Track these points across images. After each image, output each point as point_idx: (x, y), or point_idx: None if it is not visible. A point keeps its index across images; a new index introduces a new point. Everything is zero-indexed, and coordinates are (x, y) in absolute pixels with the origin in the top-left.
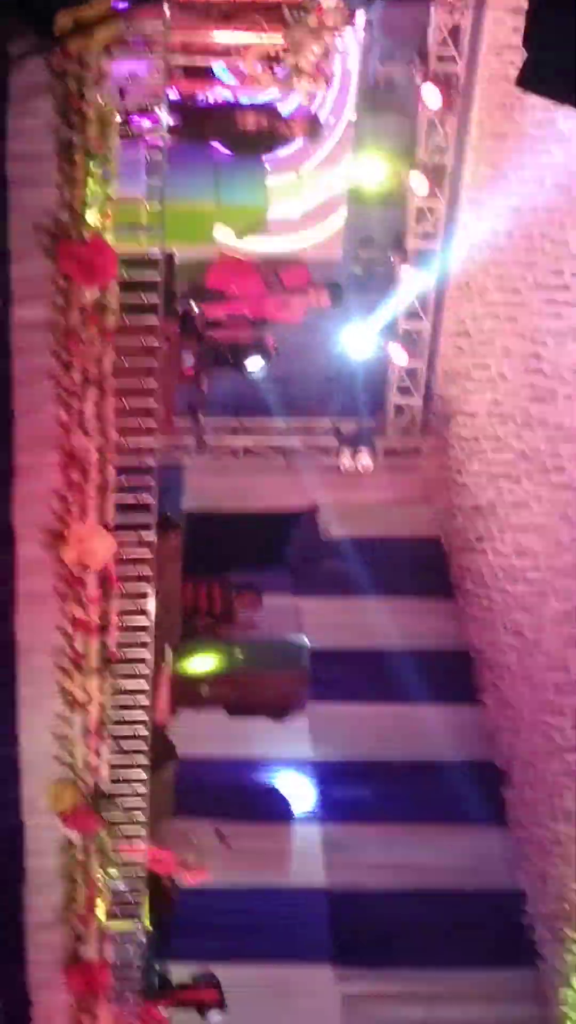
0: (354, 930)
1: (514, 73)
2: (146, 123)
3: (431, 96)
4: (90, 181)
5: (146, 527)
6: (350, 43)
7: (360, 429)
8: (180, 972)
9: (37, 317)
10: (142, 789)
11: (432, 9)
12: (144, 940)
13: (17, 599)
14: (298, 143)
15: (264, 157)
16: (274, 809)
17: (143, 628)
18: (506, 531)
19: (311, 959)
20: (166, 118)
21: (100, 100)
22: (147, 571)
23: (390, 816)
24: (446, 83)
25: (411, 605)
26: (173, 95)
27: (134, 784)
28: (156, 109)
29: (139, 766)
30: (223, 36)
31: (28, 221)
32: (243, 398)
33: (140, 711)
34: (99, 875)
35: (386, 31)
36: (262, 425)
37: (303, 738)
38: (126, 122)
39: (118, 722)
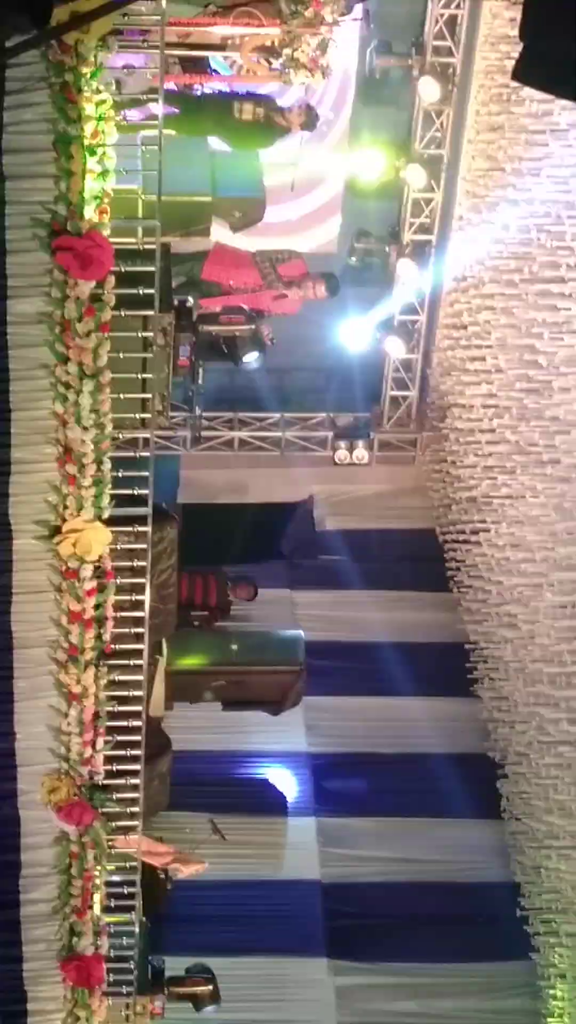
0: (348, 922)
1: (511, 65)
2: (143, 115)
3: (428, 88)
4: (86, 174)
5: (141, 520)
6: (347, 35)
7: (355, 421)
8: (174, 965)
9: (33, 310)
10: (137, 782)
11: (428, 1)
12: (138, 933)
13: (13, 592)
14: (295, 135)
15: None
16: (269, 802)
17: (138, 621)
18: (501, 523)
19: (305, 951)
20: (162, 110)
21: (97, 93)
22: (142, 563)
23: (384, 809)
24: (443, 75)
25: (406, 597)
26: (170, 87)
27: (129, 777)
28: (153, 102)
29: (134, 759)
30: (220, 28)
31: (24, 214)
32: (239, 391)
33: (135, 704)
34: (94, 868)
35: (383, 23)
36: (258, 418)
37: (298, 731)
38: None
39: (113, 715)
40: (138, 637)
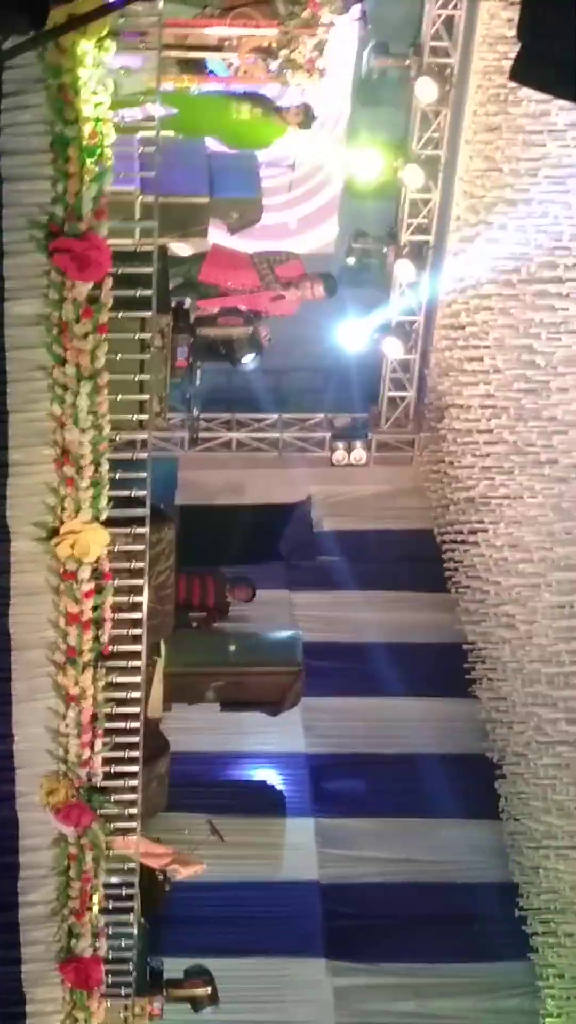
0: (347, 923)
1: (508, 66)
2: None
3: (425, 89)
4: (84, 176)
5: (139, 521)
6: (344, 36)
7: (353, 422)
8: (173, 966)
9: (31, 312)
10: (135, 783)
11: (426, 1)
12: (137, 934)
13: (11, 594)
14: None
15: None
16: (267, 803)
17: (136, 622)
18: (499, 524)
19: (304, 952)
20: (160, 112)
21: (94, 94)
22: (140, 565)
23: (383, 809)
24: (440, 76)
25: (404, 598)
26: (167, 88)
27: (127, 778)
28: (150, 103)
29: (132, 760)
30: (217, 30)
31: (21, 216)
32: (236, 392)
33: (133, 705)
34: (92, 870)
35: (380, 24)
36: (255, 419)
37: (296, 731)
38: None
39: (111, 716)
40: (136, 638)
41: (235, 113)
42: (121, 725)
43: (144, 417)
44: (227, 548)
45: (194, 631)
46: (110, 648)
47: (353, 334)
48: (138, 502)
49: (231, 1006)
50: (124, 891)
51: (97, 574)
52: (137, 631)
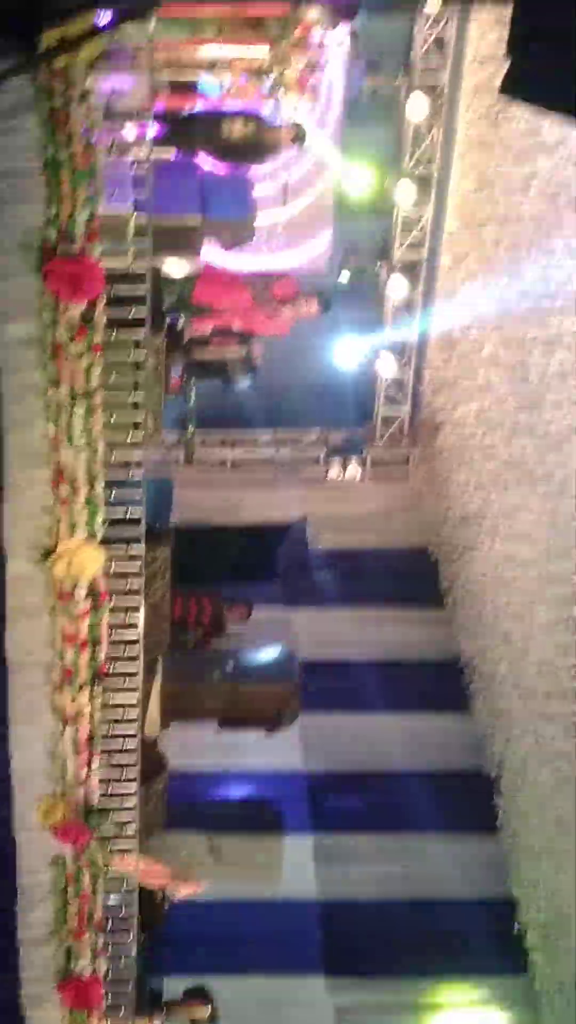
0: (346, 941)
1: (498, 83)
2: (132, 137)
3: (417, 107)
4: (76, 198)
5: (135, 540)
6: (335, 55)
7: (348, 440)
8: (172, 986)
9: (25, 333)
10: (133, 802)
11: (416, 20)
12: (136, 954)
13: (7, 615)
14: (286, 154)
15: (252, 168)
16: (265, 821)
17: (133, 641)
18: (495, 539)
19: (303, 970)
20: (152, 133)
21: (86, 116)
22: (136, 584)
23: (381, 826)
24: (431, 93)
25: (400, 615)
26: (158, 109)
27: (125, 797)
28: (142, 124)
29: (129, 779)
30: (208, 50)
31: (14, 238)
32: (231, 410)
33: (130, 724)
34: (90, 890)
35: (370, 43)
36: (250, 437)
37: (293, 749)
38: (112, 138)
39: (108, 735)
40: (132, 658)
41: (227, 131)
42: (118, 744)
43: (139, 436)
44: (223, 567)
45: (190, 650)
46: (107, 667)
47: (347, 351)
48: (133, 521)
49: None
50: (123, 911)
51: (93, 594)
52: (133, 650)
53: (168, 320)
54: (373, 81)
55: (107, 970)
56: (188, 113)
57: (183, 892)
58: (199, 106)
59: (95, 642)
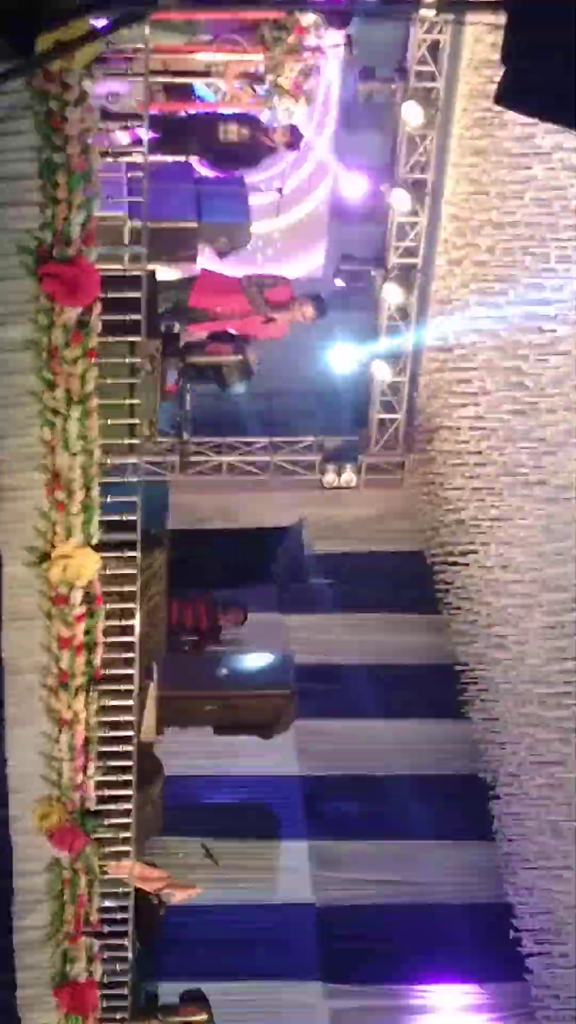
0: (342, 946)
1: (493, 89)
2: (127, 141)
3: (411, 113)
4: (72, 201)
5: (131, 545)
6: (330, 61)
7: (343, 445)
8: (168, 990)
9: (20, 337)
10: (129, 807)
11: (411, 26)
12: (132, 959)
13: (3, 618)
14: (281, 157)
15: (247, 172)
16: (261, 825)
17: (128, 646)
18: (490, 545)
19: (299, 975)
20: (147, 136)
21: (82, 120)
22: (132, 589)
23: (377, 831)
24: (426, 100)
25: (395, 620)
26: (154, 113)
27: (121, 802)
28: (137, 128)
29: (125, 784)
30: (204, 55)
31: (10, 242)
32: (227, 415)
33: (126, 729)
34: (86, 894)
35: (365, 48)
36: (245, 442)
37: (289, 754)
38: (108, 141)
39: (104, 740)
40: (128, 662)
41: (222, 134)
42: (114, 749)
43: (134, 441)
44: (218, 572)
45: (186, 655)
46: (102, 672)
47: (342, 357)
48: (129, 526)
49: None
50: (119, 915)
51: (89, 598)
52: (129, 655)
53: (164, 325)
54: (368, 87)
55: (103, 974)
56: (183, 117)
57: (179, 896)
58: (195, 110)
59: (91, 646)
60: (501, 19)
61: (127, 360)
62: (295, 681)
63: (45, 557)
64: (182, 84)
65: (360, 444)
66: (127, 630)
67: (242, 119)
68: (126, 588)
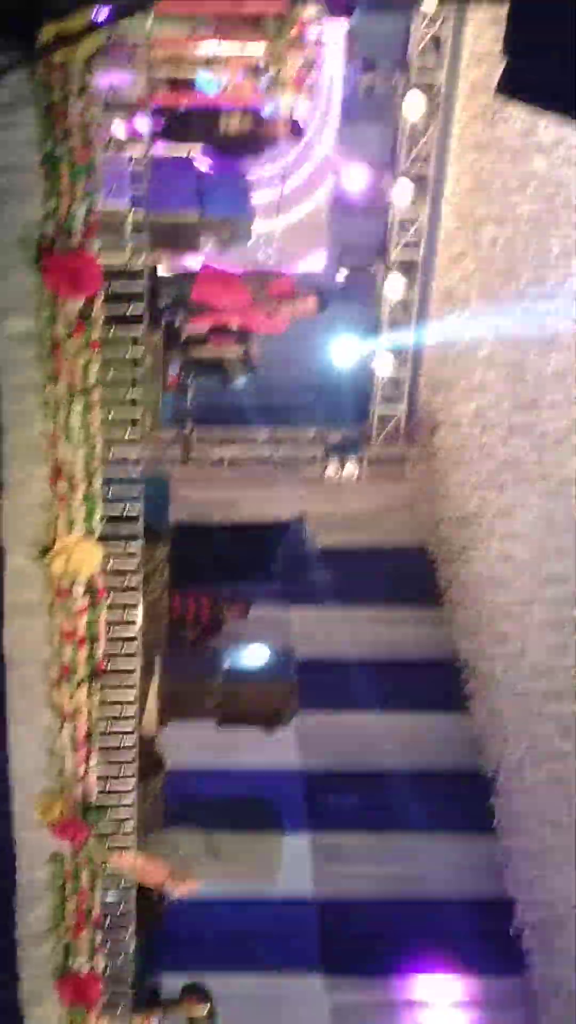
0: (343, 939)
1: (494, 82)
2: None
3: (413, 106)
4: (74, 193)
5: (133, 538)
6: (331, 53)
7: (345, 439)
8: (170, 983)
9: (23, 330)
10: (131, 800)
11: (413, 19)
12: (134, 951)
13: (5, 611)
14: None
15: (249, 163)
16: (263, 819)
17: (131, 639)
18: (492, 539)
19: (301, 968)
20: (149, 129)
21: (84, 111)
22: (134, 581)
23: (378, 825)
24: (427, 93)
25: (397, 614)
26: (156, 105)
27: (123, 795)
28: (139, 120)
29: (128, 777)
30: (205, 48)
31: (12, 233)
32: (229, 408)
33: (128, 722)
34: (89, 887)
35: (367, 42)
36: (248, 436)
37: (291, 748)
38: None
39: (106, 733)
40: (130, 655)
41: (224, 125)
42: (116, 742)
43: (137, 434)
44: (221, 565)
45: (188, 648)
46: (104, 665)
47: (344, 351)
48: (131, 519)
49: (228, 1023)
50: (121, 908)
51: (91, 591)
52: (131, 648)
53: (166, 318)
54: (369, 79)
55: (105, 967)
56: (185, 109)
57: (181, 890)
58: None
59: (93, 639)
60: (502, 12)
61: (129, 353)
62: (296, 674)
63: (47, 550)
64: (184, 76)
65: (362, 438)
66: (129, 623)
67: (244, 110)
68: (128, 581)
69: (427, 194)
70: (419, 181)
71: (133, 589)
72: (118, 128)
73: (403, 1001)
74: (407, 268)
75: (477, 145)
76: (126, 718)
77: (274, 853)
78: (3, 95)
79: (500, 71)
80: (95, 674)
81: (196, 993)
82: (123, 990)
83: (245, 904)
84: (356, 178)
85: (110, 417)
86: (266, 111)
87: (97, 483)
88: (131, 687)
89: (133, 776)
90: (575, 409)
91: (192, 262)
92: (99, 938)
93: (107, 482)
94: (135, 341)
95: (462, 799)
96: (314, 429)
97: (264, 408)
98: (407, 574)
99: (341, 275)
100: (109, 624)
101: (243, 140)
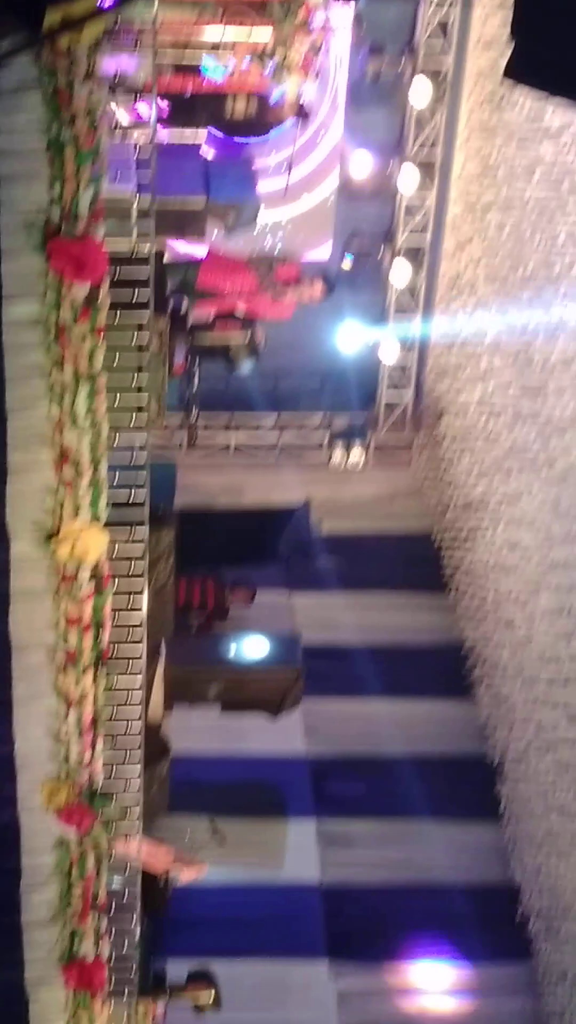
0: (348, 925)
1: (502, 67)
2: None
3: (420, 91)
4: (80, 178)
5: (139, 523)
6: (339, 38)
7: (351, 425)
8: (175, 968)
9: (28, 314)
10: (136, 785)
11: (420, 3)
12: (139, 937)
13: (11, 597)
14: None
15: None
16: (268, 804)
17: (136, 625)
18: (498, 525)
19: (306, 955)
20: (155, 113)
21: (90, 96)
22: (140, 567)
23: (384, 811)
24: (435, 78)
25: (403, 600)
26: (162, 90)
27: (128, 780)
28: (145, 105)
29: (133, 762)
30: (212, 32)
31: (18, 218)
32: (235, 394)
33: (134, 708)
34: (94, 872)
35: (374, 26)
36: (253, 421)
37: (296, 734)
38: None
39: (112, 719)
40: (136, 641)
41: (230, 107)
42: (122, 728)
43: (142, 419)
44: (226, 550)
45: (194, 633)
46: (110, 651)
47: (350, 336)
48: (137, 504)
49: (233, 1008)
50: (126, 893)
51: (97, 576)
52: (137, 634)
53: (172, 303)
54: (376, 65)
55: (111, 953)
56: (191, 93)
57: (186, 875)
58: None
59: (99, 625)
60: None
61: (135, 338)
62: (302, 660)
63: (53, 535)
64: (190, 61)
65: (368, 424)
66: (135, 609)
67: (249, 94)
68: (134, 567)
69: (434, 180)
70: (426, 167)
71: (139, 575)
72: (124, 113)
73: (408, 987)
74: (414, 254)
75: (484, 130)
76: (132, 704)
77: (279, 839)
78: (9, 80)
79: (507, 56)
80: (101, 660)
81: (201, 978)
82: (128, 975)
83: (250, 890)
84: (363, 164)
85: (116, 403)
86: (273, 96)
87: (103, 469)
88: (137, 673)
89: (139, 762)
90: None
91: (198, 248)
92: (104, 923)
93: (113, 468)
94: (141, 327)
95: (468, 785)
96: (320, 415)
97: (270, 394)
98: (413, 560)
99: (347, 261)
100: (115, 610)
101: (249, 124)
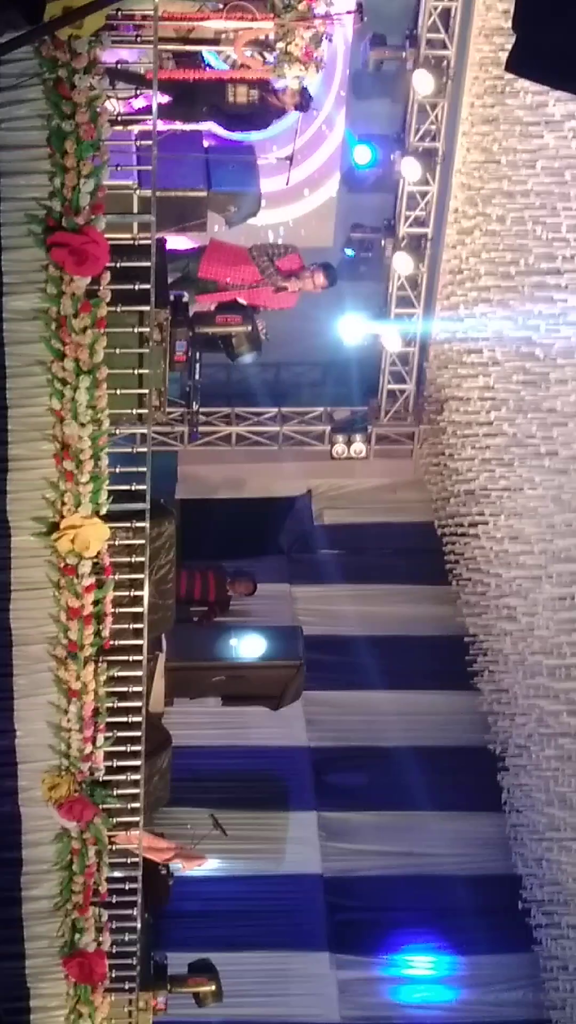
0: (350, 916)
1: (504, 57)
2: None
3: (422, 81)
4: (81, 170)
5: (139, 515)
6: (340, 28)
7: (353, 415)
8: (176, 960)
9: (29, 306)
10: (137, 777)
11: None
12: (140, 929)
13: (11, 589)
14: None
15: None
16: (269, 796)
17: (137, 616)
18: (499, 516)
19: (307, 946)
20: (157, 105)
21: (90, 88)
22: (140, 559)
23: (385, 802)
24: (437, 68)
25: (405, 591)
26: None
27: (129, 772)
28: (146, 96)
29: (134, 754)
30: (213, 22)
31: (19, 210)
32: (236, 385)
33: (135, 699)
34: (95, 864)
35: (376, 16)
36: (255, 412)
37: (298, 725)
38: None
39: (113, 711)
40: (137, 633)
41: (231, 97)
42: (123, 719)
43: (143, 411)
44: (228, 542)
45: (195, 625)
46: (111, 643)
47: (352, 327)
48: (138, 496)
49: (235, 1000)
50: (127, 885)
51: (98, 569)
52: (138, 625)
53: (173, 295)
54: (378, 54)
55: (112, 945)
56: (192, 84)
57: (187, 867)
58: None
59: (100, 617)
60: None
61: (136, 330)
62: (303, 652)
63: (54, 528)
64: (191, 52)
65: (369, 414)
66: (136, 601)
67: (251, 81)
68: (135, 559)
69: (436, 170)
70: (428, 156)
71: (140, 567)
72: (125, 103)
73: (410, 978)
74: (415, 244)
75: (486, 120)
76: (133, 696)
77: (281, 831)
78: (9, 71)
79: (509, 46)
80: (102, 652)
81: (202, 970)
82: (130, 968)
83: (252, 881)
84: (364, 153)
85: (117, 394)
86: (275, 85)
87: (104, 460)
88: (138, 664)
89: (140, 753)
90: None
91: (199, 238)
92: (105, 915)
93: (114, 460)
94: (142, 318)
95: (470, 776)
96: (321, 406)
97: (271, 385)
98: (415, 551)
99: (349, 251)
100: (116, 602)
101: (250, 115)
